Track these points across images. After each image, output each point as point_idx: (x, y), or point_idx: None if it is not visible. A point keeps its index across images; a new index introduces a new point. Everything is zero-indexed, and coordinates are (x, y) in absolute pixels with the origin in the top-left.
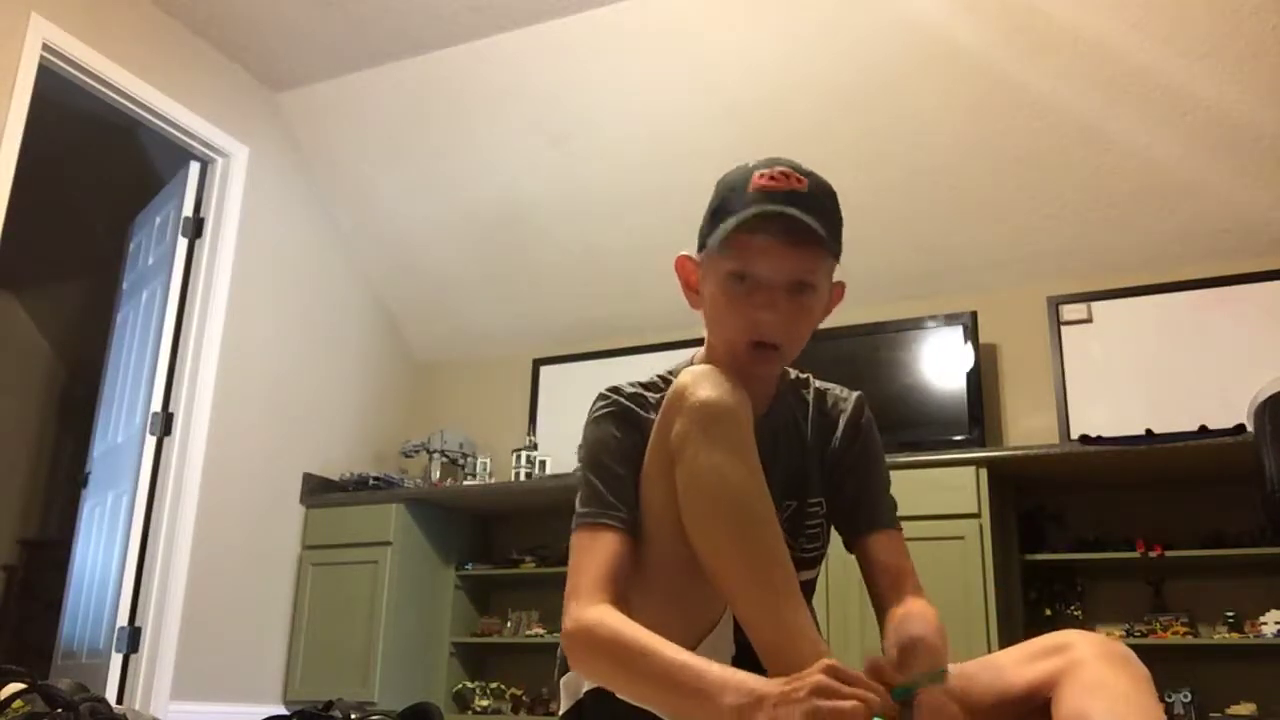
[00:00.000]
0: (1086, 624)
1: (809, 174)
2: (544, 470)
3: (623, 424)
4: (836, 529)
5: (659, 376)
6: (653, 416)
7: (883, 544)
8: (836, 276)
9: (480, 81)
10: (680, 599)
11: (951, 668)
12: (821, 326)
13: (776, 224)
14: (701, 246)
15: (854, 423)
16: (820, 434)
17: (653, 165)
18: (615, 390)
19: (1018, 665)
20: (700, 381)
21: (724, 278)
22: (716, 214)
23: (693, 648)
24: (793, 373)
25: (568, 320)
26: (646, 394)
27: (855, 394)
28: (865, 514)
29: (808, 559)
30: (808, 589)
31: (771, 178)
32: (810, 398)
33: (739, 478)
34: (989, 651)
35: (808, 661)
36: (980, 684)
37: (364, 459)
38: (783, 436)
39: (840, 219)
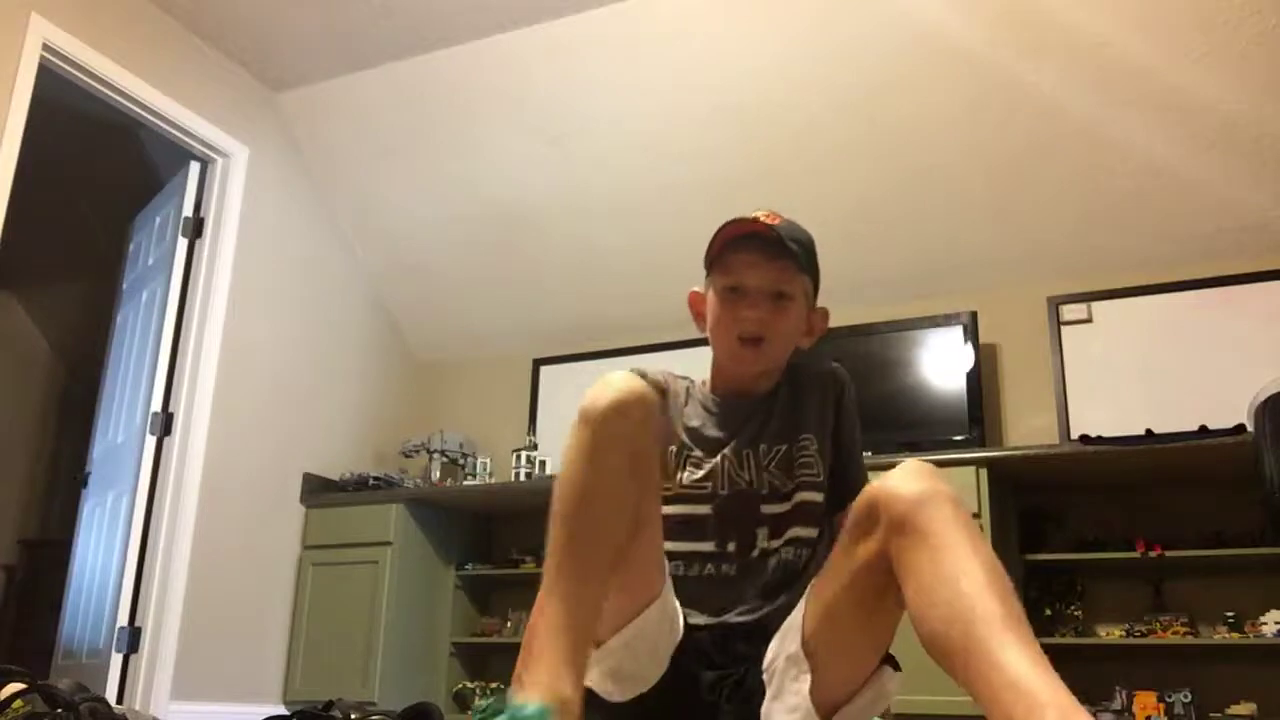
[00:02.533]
0: (1086, 623)
1: (787, 220)
2: (544, 470)
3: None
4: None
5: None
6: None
7: None
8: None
9: (480, 81)
10: (623, 573)
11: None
12: None
13: (756, 241)
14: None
15: (837, 381)
16: (811, 385)
17: (653, 165)
18: (640, 373)
19: (847, 556)
20: (594, 386)
21: (719, 292)
22: (710, 250)
23: (633, 617)
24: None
25: (568, 320)
26: (671, 383)
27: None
28: (852, 487)
29: (806, 483)
30: (812, 509)
31: (754, 216)
32: (800, 365)
33: (578, 475)
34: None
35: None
36: (826, 601)
37: (364, 459)
38: (777, 404)
39: (814, 252)
